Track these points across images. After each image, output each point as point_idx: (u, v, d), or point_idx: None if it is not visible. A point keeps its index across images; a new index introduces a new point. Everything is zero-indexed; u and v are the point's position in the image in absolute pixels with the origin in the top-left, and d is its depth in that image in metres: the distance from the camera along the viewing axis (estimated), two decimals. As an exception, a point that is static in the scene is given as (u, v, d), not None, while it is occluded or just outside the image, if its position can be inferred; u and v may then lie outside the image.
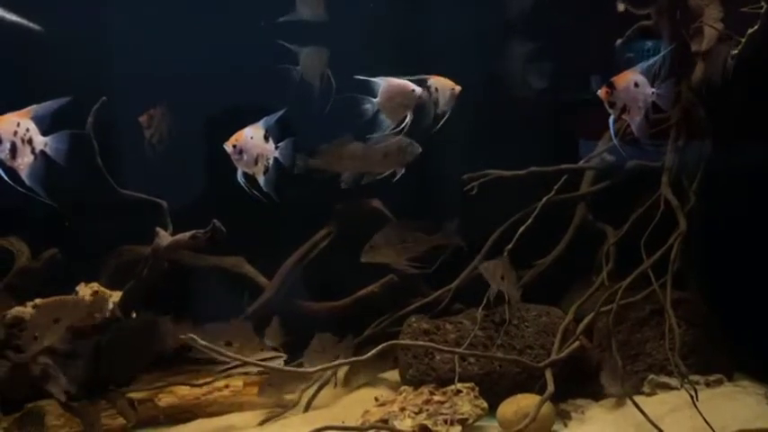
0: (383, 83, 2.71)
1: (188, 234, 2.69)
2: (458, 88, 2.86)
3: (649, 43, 3.47)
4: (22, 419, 2.58)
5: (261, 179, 2.54)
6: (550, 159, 3.29)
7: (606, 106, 2.47)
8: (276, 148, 2.58)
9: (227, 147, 2.51)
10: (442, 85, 2.85)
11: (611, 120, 2.50)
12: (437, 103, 2.84)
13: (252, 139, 2.51)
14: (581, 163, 3.33)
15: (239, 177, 2.54)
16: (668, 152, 3.07)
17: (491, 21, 3.60)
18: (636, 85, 2.48)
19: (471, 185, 3.16)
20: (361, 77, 2.72)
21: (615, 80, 2.47)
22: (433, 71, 3.10)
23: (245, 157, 2.50)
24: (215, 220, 2.62)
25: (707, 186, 3.03)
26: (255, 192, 2.58)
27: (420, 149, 3.01)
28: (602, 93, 2.46)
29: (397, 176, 2.99)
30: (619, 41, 3.26)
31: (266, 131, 2.55)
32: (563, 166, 3.27)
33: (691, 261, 2.98)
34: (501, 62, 3.54)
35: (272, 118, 2.58)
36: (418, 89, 2.75)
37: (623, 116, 2.49)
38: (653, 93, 2.51)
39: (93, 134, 2.82)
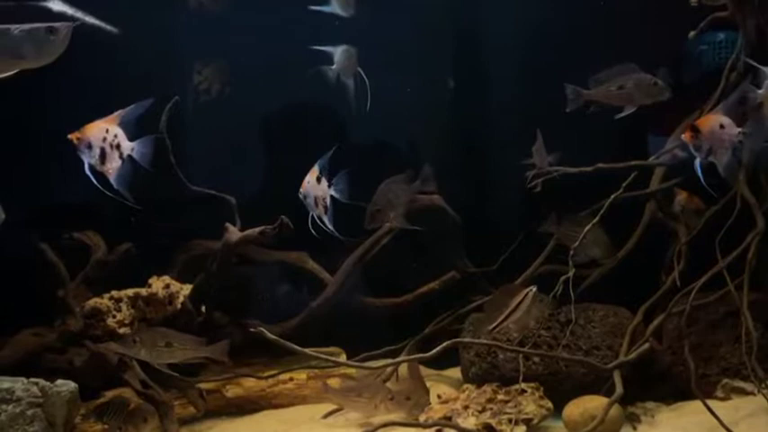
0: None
1: (257, 230, 2.76)
2: None
3: (722, 35, 3.34)
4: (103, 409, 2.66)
5: (325, 218, 2.62)
6: (617, 155, 3.20)
7: (691, 149, 2.39)
8: (330, 185, 2.64)
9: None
10: None
11: (697, 162, 2.41)
12: None
13: (309, 183, 2.61)
14: (651, 159, 3.24)
15: (310, 221, 2.64)
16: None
17: (552, 14, 3.53)
18: (721, 126, 2.39)
19: (535, 183, 3.11)
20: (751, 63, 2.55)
21: (699, 123, 2.39)
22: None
23: (310, 202, 2.62)
24: (282, 216, 2.68)
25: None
26: (317, 234, 2.64)
27: (668, 95, 2.77)
28: (686, 137, 2.39)
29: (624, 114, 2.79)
30: (691, 33, 3.14)
31: (319, 173, 2.62)
32: (632, 163, 3.17)
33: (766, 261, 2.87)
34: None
35: (325, 159, 2.63)
36: None
37: (710, 158, 2.40)
38: (740, 132, 2.41)
39: (166, 133, 2.91)
